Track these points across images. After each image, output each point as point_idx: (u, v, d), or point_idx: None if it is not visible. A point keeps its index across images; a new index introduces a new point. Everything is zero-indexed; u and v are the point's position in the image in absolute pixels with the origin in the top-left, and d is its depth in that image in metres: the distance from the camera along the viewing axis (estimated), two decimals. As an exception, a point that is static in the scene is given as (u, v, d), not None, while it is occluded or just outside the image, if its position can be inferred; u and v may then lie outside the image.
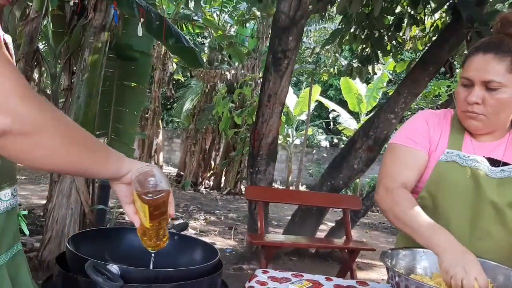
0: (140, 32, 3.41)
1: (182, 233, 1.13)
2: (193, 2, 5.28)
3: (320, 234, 4.84)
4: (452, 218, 1.10)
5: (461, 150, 1.12)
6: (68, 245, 0.85)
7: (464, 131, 1.15)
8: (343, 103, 12.06)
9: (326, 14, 6.29)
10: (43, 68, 4.51)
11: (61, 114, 0.64)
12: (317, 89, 10.74)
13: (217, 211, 6.93)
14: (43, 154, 0.60)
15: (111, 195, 4.27)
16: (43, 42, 6.11)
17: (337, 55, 9.06)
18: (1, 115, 0.54)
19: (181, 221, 4.90)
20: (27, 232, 2.19)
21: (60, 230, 3.14)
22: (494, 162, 1.11)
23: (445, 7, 3.97)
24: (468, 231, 1.09)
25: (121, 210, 5.87)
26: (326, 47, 7.28)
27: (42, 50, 4.95)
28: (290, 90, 10.72)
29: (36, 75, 4.78)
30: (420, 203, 1.12)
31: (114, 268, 0.76)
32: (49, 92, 4.76)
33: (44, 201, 5.04)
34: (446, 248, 0.91)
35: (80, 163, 0.67)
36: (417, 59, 4.69)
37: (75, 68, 4.09)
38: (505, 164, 1.10)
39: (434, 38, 4.54)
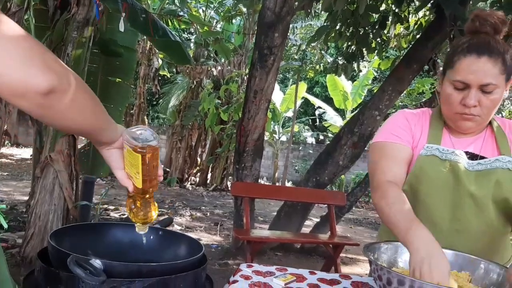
0: (122, 27, 3.37)
1: (167, 228, 1.13)
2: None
3: (306, 230, 4.88)
4: (432, 210, 1.13)
5: (440, 145, 1.15)
6: (50, 240, 0.85)
7: (442, 127, 1.18)
8: (329, 100, 12.15)
9: (312, 11, 6.31)
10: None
11: (86, 87, 0.67)
12: (303, 86, 10.79)
13: (203, 207, 6.92)
14: (77, 110, 0.64)
15: (95, 191, 4.22)
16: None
17: (323, 52, 9.10)
18: (48, 73, 0.57)
19: (166, 217, 4.88)
20: (5, 225, 2.16)
21: (43, 226, 3.09)
22: (471, 156, 1.14)
23: (429, 5, 4.03)
24: (447, 223, 1.12)
25: (105, 206, 5.81)
26: (312, 44, 7.30)
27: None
28: (277, 87, 10.75)
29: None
30: None
31: (97, 262, 0.76)
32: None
33: (26, 197, 4.96)
34: (418, 247, 0.88)
35: (100, 122, 0.72)
36: (401, 57, 4.75)
37: (58, 63, 4.02)
38: (482, 158, 1.14)
39: (418, 36, 4.60)
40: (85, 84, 0.67)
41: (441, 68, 1.21)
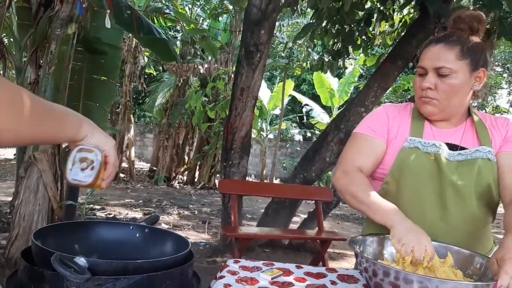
0: (108, 24, 3.33)
1: (153, 226, 1.12)
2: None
3: (293, 226, 4.90)
4: (415, 201, 1.16)
5: (422, 137, 1.19)
6: (33, 239, 0.84)
7: (424, 120, 1.23)
8: (316, 98, 12.20)
9: (298, 9, 6.33)
10: (7, 61, 4.34)
11: (15, 90, 0.60)
12: (290, 83, 10.81)
13: (191, 206, 6.90)
14: (6, 137, 0.59)
15: (81, 190, 4.17)
16: (5, 35, 5.87)
17: (309, 50, 9.13)
18: None
19: (152, 215, 4.85)
20: None
21: (27, 227, 3.05)
22: (452, 147, 1.18)
23: (413, 3, 4.07)
24: (430, 213, 1.15)
25: (91, 206, 5.75)
26: (299, 41, 7.33)
27: (6, 43, 4.75)
28: (264, 84, 10.76)
29: (-1, 69, 4.60)
30: (385, 188, 1.19)
31: (81, 260, 0.75)
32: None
33: (10, 198, 4.87)
34: (399, 220, 0.99)
35: (41, 135, 0.68)
36: (386, 54, 4.79)
37: (41, 61, 3.96)
38: (462, 148, 1.17)
39: (402, 34, 4.65)
40: (28, 100, 0.61)
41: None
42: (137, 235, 1.07)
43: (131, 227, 1.09)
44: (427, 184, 1.15)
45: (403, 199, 1.16)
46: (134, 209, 6.06)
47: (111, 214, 5.52)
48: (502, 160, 1.15)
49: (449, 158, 1.15)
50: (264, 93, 10.72)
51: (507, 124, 1.21)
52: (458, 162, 1.14)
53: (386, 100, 10.28)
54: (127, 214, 5.68)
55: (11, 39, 4.96)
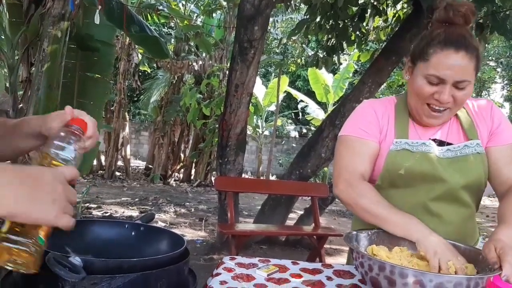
0: (97, 20, 3.31)
1: (149, 224, 1.12)
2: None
3: (290, 223, 4.91)
4: (407, 200, 1.14)
5: (408, 138, 1.15)
6: (27, 239, 0.83)
7: (408, 118, 1.18)
8: (311, 94, 12.20)
9: (292, 4, 6.31)
10: (-1, 60, 4.30)
11: None
12: (285, 80, 10.81)
13: (187, 203, 6.90)
14: None
15: (76, 189, 4.15)
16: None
17: (304, 46, 9.12)
18: None
19: (148, 213, 4.84)
20: None
21: (22, 227, 3.03)
22: (439, 143, 1.15)
23: (407, -2, 4.08)
24: (420, 215, 1.11)
25: (87, 204, 5.73)
26: (293, 37, 7.31)
27: (-2, 41, 4.71)
28: (259, 81, 10.75)
29: (-9, 67, 4.56)
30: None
31: (76, 260, 0.75)
32: (7, 84, 4.56)
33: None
34: (423, 232, 0.97)
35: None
36: (380, 49, 4.80)
37: (33, 59, 3.93)
38: (449, 144, 1.15)
39: (396, 29, 4.66)
40: None
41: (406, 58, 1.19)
42: (133, 233, 1.07)
43: (126, 226, 1.08)
44: (418, 184, 1.12)
45: (395, 198, 1.13)
46: (130, 208, 6.05)
47: (107, 212, 5.50)
48: (495, 155, 1.13)
49: (440, 155, 1.12)
50: (259, 90, 10.72)
51: (491, 109, 1.18)
52: (449, 159, 1.12)
53: (381, 96, 10.31)
54: (123, 212, 5.67)
55: (3, 37, 4.91)
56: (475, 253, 0.98)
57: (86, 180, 8.01)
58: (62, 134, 0.73)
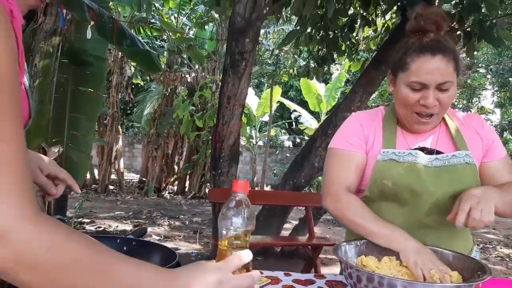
0: (89, 35, 3.33)
1: (141, 238, 1.12)
2: (145, 6, 5.19)
3: (285, 233, 4.90)
4: (394, 211, 1.15)
5: (395, 148, 1.16)
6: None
7: (396, 127, 1.20)
8: (304, 104, 12.27)
9: (284, 16, 6.39)
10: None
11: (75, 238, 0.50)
12: (278, 90, 10.87)
13: (182, 216, 6.86)
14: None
15: (70, 204, 4.12)
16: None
17: (296, 56, 9.20)
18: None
19: (140, 227, 4.81)
20: None
21: (14, 244, 3.00)
22: (428, 152, 1.16)
23: (395, 8, 4.14)
24: (409, 221, 1.13)
25: (80, 219, 5.68)
26: (285, 48, 7.39)
27: (-11, 56, 4.70)
28: (252, 91, 10.80)
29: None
30: (364, 201, 1.16)
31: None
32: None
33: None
34: (407, 244, 1.00)
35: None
36: (370, 59, 4.86)
37: (25, 74, 3.93)
38: (438, 152, 1.16)
39: (385, 39, 4.72)
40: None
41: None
42: (124, 248, 1.07)
43: (118, 240, 1.08)
44: (405, 194, 1.13)
45: (383, 209, 1.15)
46: (124, 221, 6.00)
47: (100, 227, 5.45)
48: (492, 169, 1.17)
49: (427, 165, 1.13)
50: (252, 100, 10.76)
51: (482, 125, 1.21)
52: (437, 168, 1.13)
53: (373, 104, 10.39)
54: (117, 226, 5.63)
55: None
56: (464, 260, 0.99)
57: (78, 195, 7.95)
58: None
